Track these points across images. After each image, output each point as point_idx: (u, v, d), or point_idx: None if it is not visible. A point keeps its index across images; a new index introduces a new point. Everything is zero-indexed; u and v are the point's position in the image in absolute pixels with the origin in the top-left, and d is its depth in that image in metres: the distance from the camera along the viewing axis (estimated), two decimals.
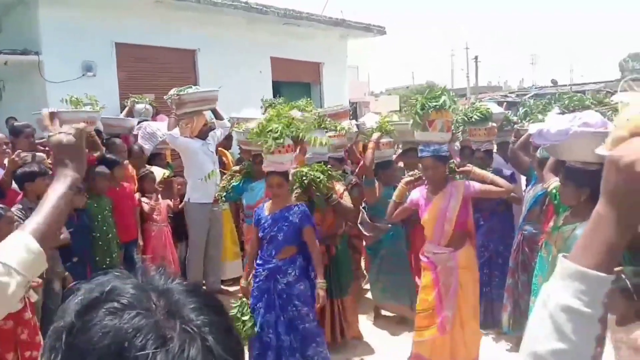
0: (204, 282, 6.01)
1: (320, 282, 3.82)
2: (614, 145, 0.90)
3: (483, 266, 4.78)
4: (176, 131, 5.56)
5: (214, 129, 6.01)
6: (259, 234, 3.90)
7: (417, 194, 3.95)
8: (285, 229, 3.78)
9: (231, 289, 6.00)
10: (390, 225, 4.81)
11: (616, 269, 2.58)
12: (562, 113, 3.24)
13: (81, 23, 7.91)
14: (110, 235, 4.71)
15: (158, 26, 8.87)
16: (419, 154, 3.88)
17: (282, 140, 3.75)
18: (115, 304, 0.58)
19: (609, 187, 0.79)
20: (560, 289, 0.79)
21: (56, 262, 3.94)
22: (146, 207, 5.32)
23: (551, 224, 3.56)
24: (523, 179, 5.09)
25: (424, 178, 3.95)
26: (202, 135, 5.72)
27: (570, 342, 0.76)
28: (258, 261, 3.92)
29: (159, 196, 5.56)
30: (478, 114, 4.91)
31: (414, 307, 4.14)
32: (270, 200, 3.94)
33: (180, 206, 5.74)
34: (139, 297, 0.59)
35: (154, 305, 0.59)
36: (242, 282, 3.99)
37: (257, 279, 3.86)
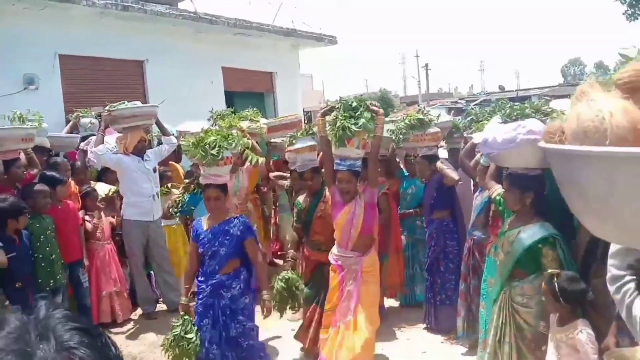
0: (161, 299, 5.86)
1: (266, 294, 3.82)
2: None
3: (428, 271, 4.96)
4: (101, 148, 5.38)
5: (152, 146, 5.89)
6: (199, 250, 3.82)
7: (337, 196, 4.06)
8: (227, 243, 3.72)
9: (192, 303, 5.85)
10: None
11: (553, 271, 2.64)
12: (505, 122, 3.34)
13: (21, 34, 7.61)
14: (53, 256, 4.52)
15: (104, 37, 8.64)
16: (335, 167, 4.00)
17: (219, 155, 3.71)
18: None
19: None
20: None
21: None
22: (89, 226, 5.14)
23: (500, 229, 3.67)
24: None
25: None
26: (138, 151, 5.56)
27: None
28: (200, 278, 3.84)
29: (102, 214, 5.38)
30: (417, 118, 5.04)
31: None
32: (208, 215, 3.88)
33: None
34: (17, 326, 0.71)
35: (27, 332, 0.70)
36: (182, 299, 3.89)
37: (201, 296, 3.78)
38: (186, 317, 3.74)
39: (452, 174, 4.75)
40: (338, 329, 3.88)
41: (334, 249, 4.05)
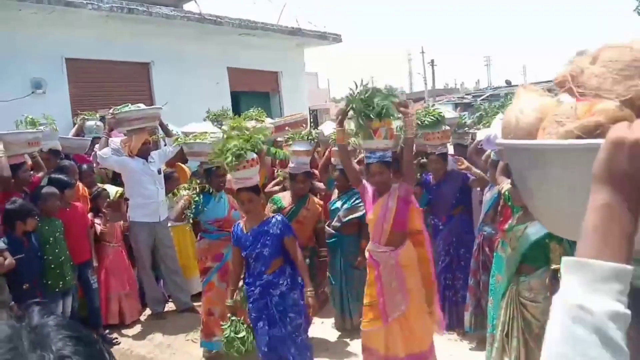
0: (170, 299, 5.90)
1: (309, 290, 3.82)
2: (585, 132, 0.89)
3: (445, 270, 4.87)
4: (106, 150, 5.43)
5: (157, 148, 5.92)
6: (242, 253, 3.84)
7: (368, 189, 4.03)
8: (269, 243, 3.73)
9: (196, 303, 5.88)
10: (334, 232, 4.96)
11: (557, 266, 2.63)
12: None
13: (28, 38, 7.69)
14: (63, 257, 4.57)
15: (110, 40, 8.70)
16: (366, 161, 3.99)
17: (245, 157, 3.71)
18: None
19: (618, 173, 0.73)
20: (599, 296, 0.68)
21: (2, 291, 3.81)
22: (98, 229, 5.19)
23: (507, 224, 3.65)
24: None
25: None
26: (143, 154, 5.59)
27: (623, 354, 0.67)
28: (247, 280, 3.86)
29: (108, 217, 5.43)
30: (431, 118, 4.98)
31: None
32: (245, 217, 3.90)
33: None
34: (9, 335, 0.70)
35: (20, 340, 0.69)
36: (228, 301, 3.88)
37: (252, 299, 3.81)
38: (233, 318, 3.77)
39: (483, 177, 4.67)
40: (391, 324, 3.85)
41: (369, 245, 4.02)
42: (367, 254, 4.03)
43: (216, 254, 4.66)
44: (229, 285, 4.18)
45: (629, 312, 0.68)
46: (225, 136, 4.00)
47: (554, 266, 2.99)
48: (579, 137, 0.90)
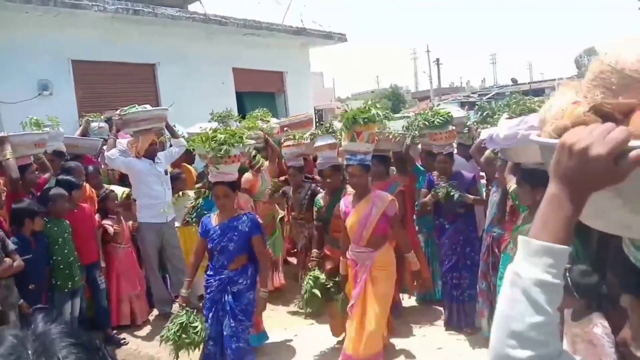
0: (177, 299, 5.91)
1: (263, 291, 3.90)
2: (556, 132, 0.99)
3: (452, 270, 4.85)
4: (114, 152, 5.45)
5: (164, 149, 5.94)
6: (209, 245, 3.92)
7: (342, 205, 4.17)
8: (235, 239, 3.80)
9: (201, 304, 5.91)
10: None
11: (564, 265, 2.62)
12: (511, 117, 3.32)
13: (34, 41, 7.73)
14: (71, 258, 4.59)
15: (115, 41, 8.74)
16: (346, 162, 4.08)
17: (227, 152, 3.76)
18: None
19: (561, 169, 0.87)
20: (530, 266, 0.86)
21: (10, 292, 3.82)
22: (110, 230, 5.21)
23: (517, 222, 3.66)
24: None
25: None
26: (150, 155, 5.60)
27: (546, 313, 0.84)
28: (209, 272, 3.94)
29: (122, 217, 5.45)
30: (439, 118, 4.96)
31: None
32: (218, 211, 3.95)
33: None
34: (14, 344, 0.71)
35: (25, 348, 0.71)
36: (183, 291, 3.93)
37: (209, 290, 3.88)
38: (187, 308, 3.81)
39: (480, 200, 4.86)
40: (352, 321, 3.99)
41: (350, 246, 4.11)
42: (347, 254, 4.13)
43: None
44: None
45: (557, 281, 0.85)
46: (212, 129, 4.05)
47: None
48: (553, 136, 0.99)
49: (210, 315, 3.81)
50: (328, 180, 4.70)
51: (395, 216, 4.01)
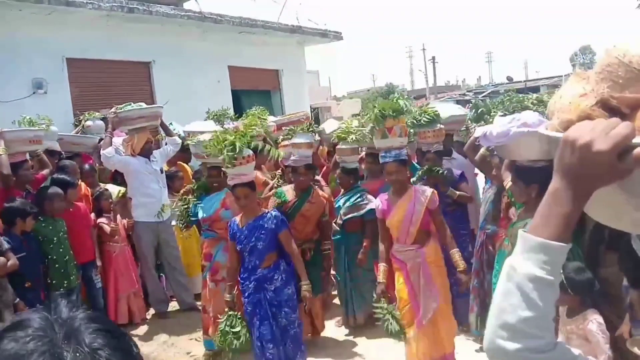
0: (173, 298, 5.92)
1: (305, 283, 3.88)
2: (562, 126, 0.97)
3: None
4: (110, 150, 5.42)
5: (159, 147, 5.93)
6: (237, 247, 3.91)
7: (379, 203, 4.05)
8: (263, 237, 3.81)
9: (199, 302, 5.89)
10: (338, 229, 5.01)
11: None
12: (504, 115, 3.33)
13: (29, 39, 7.69)
14: (67, 257, 4.59)
15: (110, 39, 8.70)
16: (381, 160, 4.00)
17: (239, 153, 3.75)
18: (19, 333, 0.69)
19: (564, 164, 0.85)
20: (525, 261, 0.86)
21: (5, 291, 3.82)
22: (107, 229, 5.20)
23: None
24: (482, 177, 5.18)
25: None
26: (145, 153, 5.59)
27: (538, 308, 0.84)
28: (242, 275, 3.93)
29: (118, 216, 5.44)
30: (426, 117, 5.01)
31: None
32: (242, 213, 3.95)
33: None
34: (43, 326, 0.70)
35: (54, 332, 0.69)
36: (227, 296, 3.93)
37: (246, 293, 3.87)
38: (231, 312, 3.82)
39: (466, 197, 4.88)
40: (425, 327, 3.83)
41: (394, 247, 3.98)
42: (392, 257, 4.01)
43: (205, 253, 4.67)
44: (218, 284, 4.27)
45: (551, 278, 0.85)
46: (221, 132, 4.05)
47: None
48: (559, 130, 0.97)
49: (256, 319, 3.81)
50: (301, 178, 4.66)
51: (437, 209, 3.95)
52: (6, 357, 0.66)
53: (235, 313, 3.82)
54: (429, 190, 3.96)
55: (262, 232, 3.81)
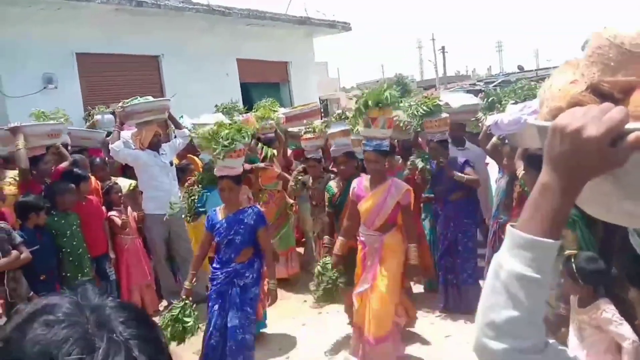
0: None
1: (272, 282, 3.95)
2: (551, 115, 0.92)
3: (445, 254, 4.96)
4: (118, 144, 5.44)
5: (169, 140, 5.95)
6: (215, 239, 3.94)
7: (355, 185, 4.14)
8: (241, 232, 3.83)
9: None
10: None
11: (570, 252, 2.61)
12: (516, 103, 3.31)
13: (38, 35, 7.74)
14: (81, 250, 4.63)
15: (119, 34, 8.73)
16: (362, 148, 4.07)
17: (233, 147, 3.78)
18: (50, 317, 0.65)
19: (554, 155, 0.80)
20: (512, 259, 0.82)
21: (19, 284, 3.86)
22: (118, 222, 5.24)
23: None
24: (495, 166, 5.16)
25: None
26: (154, 146, 5.60)
27: (524, 308, 0.80)
28: (215, 265, 3.97)
29: (129, 208, 5.47)
30: (424, 108, 5.01)
31: None
32: (223, 205, 3.98)
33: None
34: (73, 312, 0.66)
35: (85, 319, 0.66)
36: (187, 284, 3.94)
37: (215, 282, 3.90)
38: (187, 301, 3.81)
39: (473, 180, 4.84)
40: (360, 299, 4.00)
41: (360, 227, 4.14)
42: (357, 235, 4.15)
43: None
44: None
45: (537, 276, 0.79)
46: (217, 124, 4.07)
47: (567, 252, 2.96)
48: (549, 120, 0.91)
49: (216, 307, 3.84)
50: (342, 167, 4.70)
51: (407, 205, 4.01)
52: (38, 344, 0.62)
53: (191, 303, 3.80)
54: (405, 187, 4.03)
55: (242, 226, 3.83)
